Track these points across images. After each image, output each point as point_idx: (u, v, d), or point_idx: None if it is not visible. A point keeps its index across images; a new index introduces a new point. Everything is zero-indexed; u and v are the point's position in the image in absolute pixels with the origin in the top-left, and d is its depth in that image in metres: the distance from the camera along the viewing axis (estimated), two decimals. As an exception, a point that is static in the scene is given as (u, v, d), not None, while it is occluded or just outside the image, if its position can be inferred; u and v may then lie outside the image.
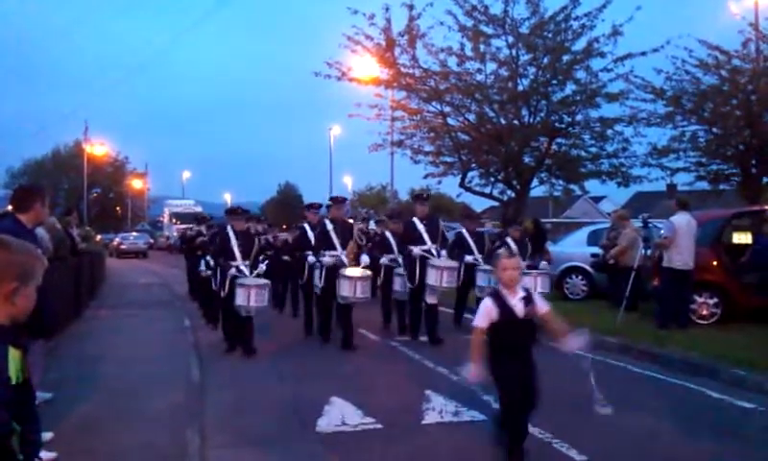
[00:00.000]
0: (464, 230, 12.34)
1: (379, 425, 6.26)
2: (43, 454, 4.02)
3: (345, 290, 10.16)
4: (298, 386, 7.90)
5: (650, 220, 12.12)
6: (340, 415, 6.57)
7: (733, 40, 17.07)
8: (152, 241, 52.26)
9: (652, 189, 23.03)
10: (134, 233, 54.05)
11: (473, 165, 19.66)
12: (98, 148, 66.26)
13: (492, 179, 19.78)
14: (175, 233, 49.08)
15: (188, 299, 16.75)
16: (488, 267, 10.42)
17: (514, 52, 17.90)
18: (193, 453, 5.54)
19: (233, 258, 10.02)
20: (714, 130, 17.96)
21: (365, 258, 11.03)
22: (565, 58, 17.50)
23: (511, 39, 17.72)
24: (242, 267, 9.95)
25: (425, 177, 20.30)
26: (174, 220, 52.74)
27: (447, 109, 18.79)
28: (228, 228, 10.27)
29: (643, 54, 16.99)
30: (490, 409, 6.18)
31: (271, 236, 15.14)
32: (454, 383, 7.56)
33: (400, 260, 11.36)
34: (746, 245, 12.92)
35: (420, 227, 10.86)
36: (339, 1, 20.65)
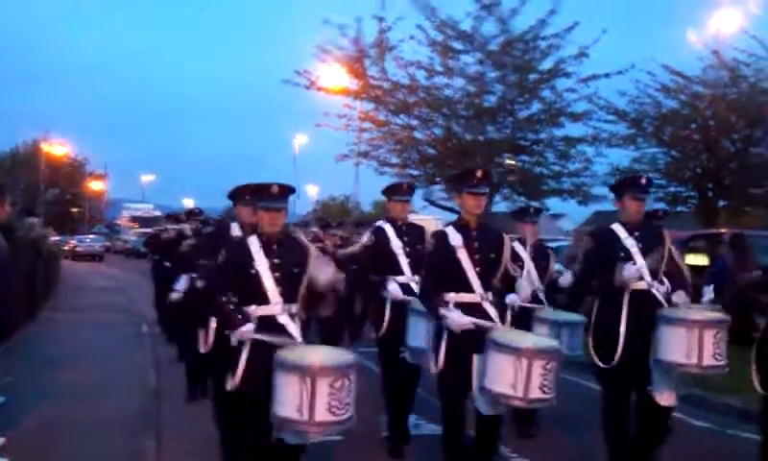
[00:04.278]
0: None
1: (338, 437, 6.21)
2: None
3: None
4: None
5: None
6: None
7: (694, 66, 17.54)
8: (108, 244, 51.41)
9: (610, 209, 23.43)
10: (91, 236, 53.04)
11: (438, 179, 19.79)
12: (58, 148, 65.01)
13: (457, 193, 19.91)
14: (133, 237, 48.43)
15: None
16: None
17: (482, 68, 18.10)
18: (150, 460, 5.46)
19: (257, 296, 4.30)
20: (673, 153, 18.43)
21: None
22: (532, 76, 17.79)
23: (479, 56, 17.92)
24: (281, 317, 4.28)
25: (389, 189, 20.29)
26: (132, 223, 52.04)
27: (415, 122, 18.89)
28: (236, 227, 5.60)
29: (607, 76, 17.34)
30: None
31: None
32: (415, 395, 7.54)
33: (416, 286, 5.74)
34: (702, 267, 13.20)
35: (395, 242, 6.08)
36: (311, 10, 20.69)
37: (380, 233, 6.14)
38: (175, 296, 7.35)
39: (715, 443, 6.59)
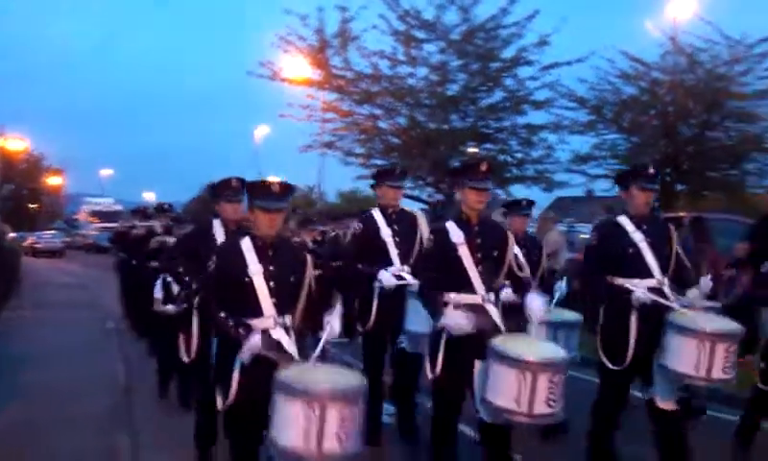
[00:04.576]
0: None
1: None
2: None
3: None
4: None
5: (574, 224, 12.53)
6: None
7: (653, 53, 17.85)
8: (68, 240, 50.50)
9: (571, 194, 23.76)
10: (50, 232, 52.03)
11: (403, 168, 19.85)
12: (14, 143, 63.42)
13: (422, 181, 20.04)
14: (93, 232, 47.66)
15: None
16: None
17: (444, 57, 18.19)
18: (125, 456, 5.45)
19: (248, 307, 3.89)
20: (633, 139, 18.72)
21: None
22: (494, 65, 17.93)
23: (442, 45, 18.01)
24: (275, 331, 3.87)
25: (356, 179, 20.38)
26: (92, 218, 51.17)
27: (379, 111, 18.92)
28: (218, 225, 5.23)
29: (568, 63, 17.53)
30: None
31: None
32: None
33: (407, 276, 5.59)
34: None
35: (385, 230, 5.74)
36: (273, 0, 20.53)
37: (369, 221, 5.77)
38: (171, 308, 6.43)
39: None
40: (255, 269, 3.77)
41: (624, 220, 4.85)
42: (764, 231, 7.87)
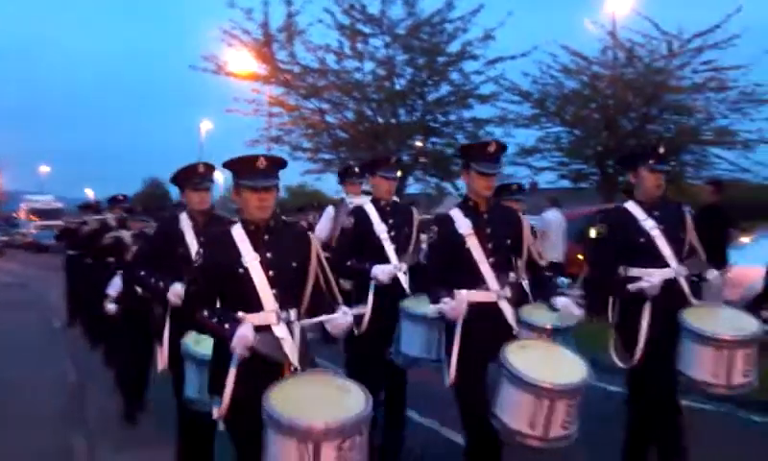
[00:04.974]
0: None
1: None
2: None
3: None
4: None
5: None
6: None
7: (594, 47, 18.29)
8: (6, 239, 48.94)
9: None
10: (-13, 231, 50.33)
11: (352, 162, 19.89)
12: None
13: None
14: (33, 231, 46.31)
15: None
16: None
17: (391, 52, 18.30)
18: (81, 457, 5.38)
19: (246, 301, 3.34)
20: (575, 132, 19.18)
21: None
22: (440, 59, 18.15)
23: (388, 39, 18.11)
24: (278, 328, 3.30)
25: (304, 173, 20.34)
26: (31, 216, 49.74)
27: (326, 106, 18.94)
28: (185, 219, 4.64)
29: (513, 58, 17.85)
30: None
31: None
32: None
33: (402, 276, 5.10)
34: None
35: (379, 225, 5.15)
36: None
37: (361, 215, 5.19)
38: (111, 307, 6.65)
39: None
40: (251, 257, 3.29)
41: (633, 206, 4.34)
42: (703, 223, 8.15)
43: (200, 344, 3.89)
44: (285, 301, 3.30)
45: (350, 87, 18.39)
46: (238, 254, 3.28)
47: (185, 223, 4.59)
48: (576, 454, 4.35)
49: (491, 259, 3.96)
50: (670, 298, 4.15)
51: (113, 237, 7.80)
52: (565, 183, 20.21)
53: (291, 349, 3.24)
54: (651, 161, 4.27)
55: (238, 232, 3.35)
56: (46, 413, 6.44)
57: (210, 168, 4.64)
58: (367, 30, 18.10)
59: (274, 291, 3.27)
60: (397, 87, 18.62)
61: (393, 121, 18.86)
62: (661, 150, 4.35)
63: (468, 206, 4.09)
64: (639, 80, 17.86)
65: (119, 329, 6.72)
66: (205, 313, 3.27)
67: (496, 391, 3.71)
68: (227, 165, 3.40)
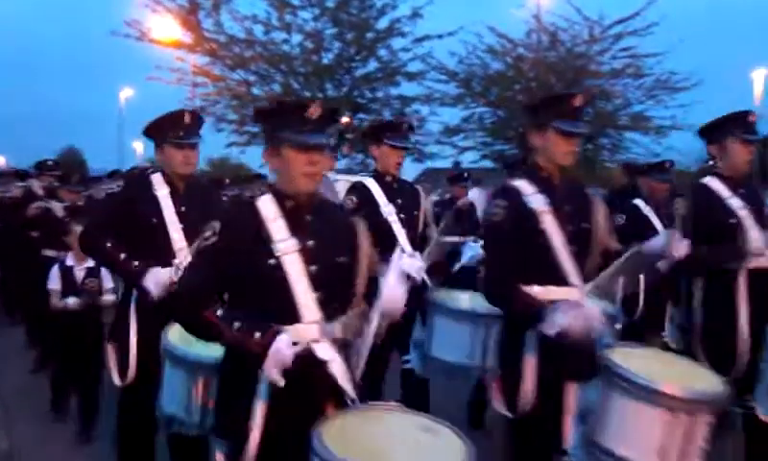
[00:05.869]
0: None
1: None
2: None
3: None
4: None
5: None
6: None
7: (520, 30, 18.69)
8: None
9: (439, 166, 24.53)
10: None
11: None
12: None
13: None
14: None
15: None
16: None
17: (319, 25, 18.19)
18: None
19: (277, 309, 2.36)
20: (499, 112, 19.60)
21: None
22: (369, 35, 18.15)
23: (317, 12, 17.99)
24: (321, 348, 2.38)
25: (228, 146, 20.04)
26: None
27: (252, 77, 18.69)
28: (159, 182, 3.70)
29: (440, 37, 18.03)
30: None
31: None
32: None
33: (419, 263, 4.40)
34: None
35: (386, 206, 4.38)
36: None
37: (365, 193, 4.33)
38: (72, 302, 5.17)
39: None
40: (288, 246, 2.34)
41: (716, 183, 3.73)
42: (614, 205, 8.53)
43: (191, 343, 2.84)
44: (331, 310, 2.40)
45: (278, 59, 18.18)
46: (269, 239, 2.35)
47: (160, 187, 3.61)
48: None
49: (571, 246, 3.00)
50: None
51: (40, 208, 6.64)
52: (487, 163, 20.65)
53: (344, 379, 2.35)
54: (742, 131, 3.66)
55: (269, 208, 2.40)
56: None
57: (198, 119, 3.75)
58: (295, 2, 17.88)
59: (316, 295, 2.36)
60: (325, 62, 18.52)
61: (320, 95, 18.73)
62: (751, 118, 3.70)
63: (539, 177, 3.06)
64: (561, 64, 18.39)
65: (60, 326, 5.37)
66: (219, 315, 2.33)
67: (603, 415, 2.74)
68: (262, 113, 2.59)
